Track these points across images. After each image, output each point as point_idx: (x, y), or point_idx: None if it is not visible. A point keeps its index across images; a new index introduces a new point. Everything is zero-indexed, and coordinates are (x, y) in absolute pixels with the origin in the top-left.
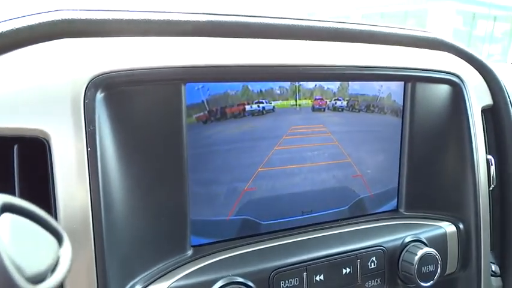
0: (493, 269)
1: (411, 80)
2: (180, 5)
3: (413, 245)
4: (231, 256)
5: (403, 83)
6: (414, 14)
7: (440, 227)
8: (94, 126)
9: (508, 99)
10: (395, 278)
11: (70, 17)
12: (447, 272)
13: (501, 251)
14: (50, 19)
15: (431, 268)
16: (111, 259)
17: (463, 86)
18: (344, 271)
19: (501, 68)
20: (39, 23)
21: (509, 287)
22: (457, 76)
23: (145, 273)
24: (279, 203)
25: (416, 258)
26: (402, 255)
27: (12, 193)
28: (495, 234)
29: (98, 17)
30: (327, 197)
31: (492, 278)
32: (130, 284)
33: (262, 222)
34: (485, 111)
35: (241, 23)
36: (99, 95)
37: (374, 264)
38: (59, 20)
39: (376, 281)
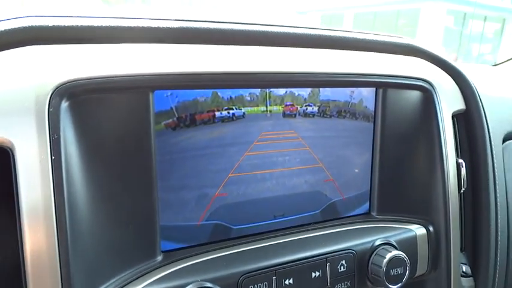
0: (464, 270)
1: (382, 86)
2: (152, 12)
3: (382, 248)
4: (201, 261)
5: (374, 88)
6: (406, 13)
7: (411, 230)
8: (58, 134)
9: (480, 104)
10: (364, 281)
11: (36, 24)
12: (417, 273)
13: (473, 252)
14: (17, 26)
15: (399, 271)
16: (75, 267)
17: (433, 92)
18: (313, 275)
19: (480, 70)
20: (6, 30)
21: (480, 285)
22: (428, 82)
23: (114, 280)
24: (250, 208)
25: (385, 261)
26: (372, 258)
27: None
28: (467, 235)
29: (66, 24)
30: (299, 201)
31: (463, 278)
32: None
33: (234, 227)
34: (458, 116)
35: (210, 30)
36: (64, 104)
37: (344, 268)
38: (25, 27)
39: (346, 284)
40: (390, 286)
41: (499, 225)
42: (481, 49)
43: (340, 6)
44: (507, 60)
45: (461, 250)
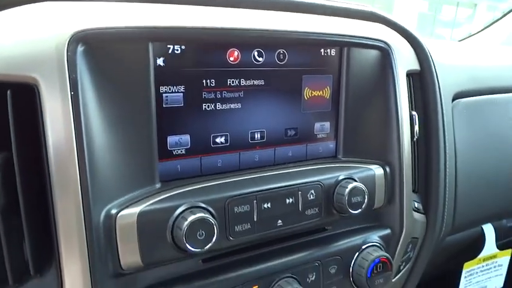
0: (416, 206)
1: (346, 45)
2: None
3: (345, 181)
4: (194, 188)
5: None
6: None
7: (370, 169)
8: (76, 74)
9: (433, 66)
10: (330, 208)
11: None
12: (375, 206)
13: (425, 193)
14: None
15: (359, 199)
16: (92, 183)
17: (390, 52)
18: (288, 201)
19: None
20: None
21: (431, 222)
22: (386, 43)
23: (120, 200)
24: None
25: (347, 190)
26: (336, 189)
27: (6, 133)
28: (420, 179)
29: None
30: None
31: (417, 215)
32: (107, 207)
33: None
34: (414, 75)
35: None
36: (80, 49)
37: (313, 196)
38: None
39: (315, 210)
40: (351, 211)
41: (447, 171)
42: (453, 34)
43: None
44: (469, 36)
45: (414, 191)
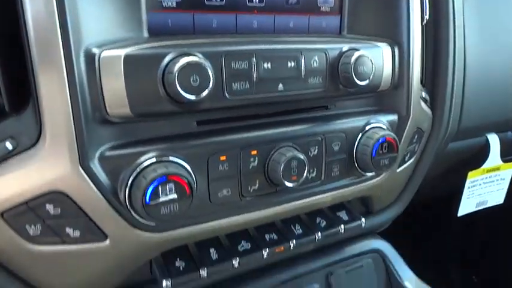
0: (424, 96)
1: None
2: None
3: (351, 51)
4: (187, 42)
5: None
6: None
7: (378, 46)
8: None
9: None
10: (335, 80)
11: None
12: (381, 87)
13: (432, 87)
14: None
15: (366, 69)
16: (71, 17)
17: None
18: (289, 64)
19: None
20: None
21: (438, 117)
22: None
23: (102, 40)
24: None
25: (353, 58)
26: (342, 58)
27: None
28: (428, 72)
29: None
30: None
31: (425, 106)
32: (87, 43)
33: None
34: None
35: None
36: None
37: (316, 64)
38: None
39: (318, 79)
40: (358, 82)
41: (456, 64)
42: None
43: None
44: None
45: (422, 84)
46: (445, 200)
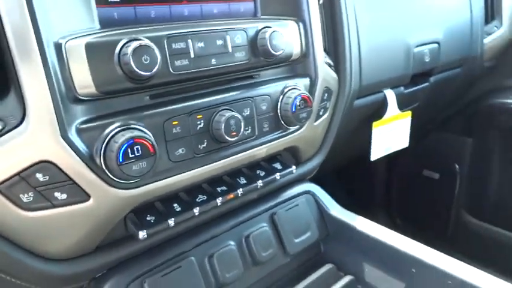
0: (328, 61)
1: None
2: None
3: (265, 29)
4: (135, 30)
5: None
6: None
7: (287, 23)
8: None
9: None
10: (256, 53)
11: None
12: (293, 56)
13: (334, 53)
14: None
15: (279, 42)
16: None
17: None
18: (218, 42)
19: None
20: None
21: (342, 79)
22: None
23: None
24: None
25: (268, 34)
26: (258, 35)
27: None
28: (329, 40)
29: None
30: None
31: (330, 70)
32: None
33: None
34: None
35: None
36: None
37: (239, 41)
38: None
39: (242, 53)
40: (274, 52)
41: (350, 33)
42: None
43: None
44: None
45: (326, 50)
46: (365, 149)
